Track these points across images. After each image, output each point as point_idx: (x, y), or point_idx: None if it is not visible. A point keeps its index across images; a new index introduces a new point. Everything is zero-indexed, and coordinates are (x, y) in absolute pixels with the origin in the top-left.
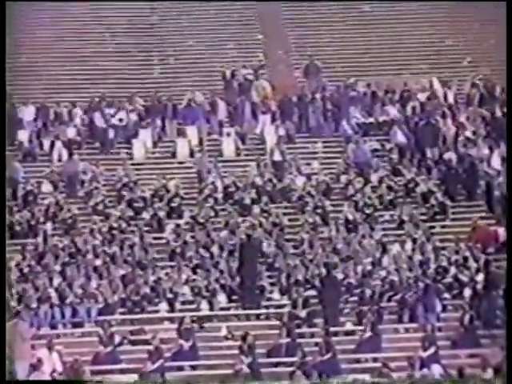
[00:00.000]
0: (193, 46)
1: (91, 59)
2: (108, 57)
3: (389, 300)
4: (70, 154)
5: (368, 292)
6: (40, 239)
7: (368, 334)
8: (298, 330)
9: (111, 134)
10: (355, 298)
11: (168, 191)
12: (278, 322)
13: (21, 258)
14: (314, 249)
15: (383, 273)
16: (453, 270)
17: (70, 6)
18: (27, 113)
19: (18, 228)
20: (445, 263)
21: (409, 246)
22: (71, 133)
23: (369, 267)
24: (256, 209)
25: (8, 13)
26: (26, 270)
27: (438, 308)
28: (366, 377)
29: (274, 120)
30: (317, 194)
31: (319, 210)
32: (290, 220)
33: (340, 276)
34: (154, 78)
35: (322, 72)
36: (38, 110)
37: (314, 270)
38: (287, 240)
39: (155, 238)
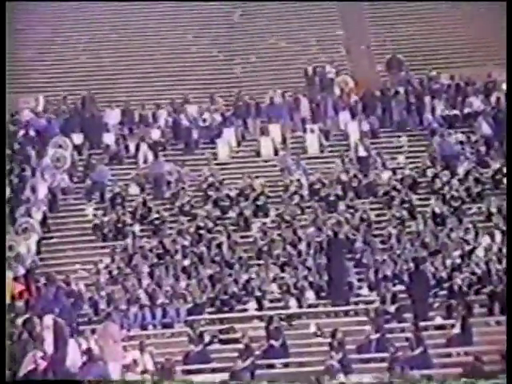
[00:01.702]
0: (274, 43)
1: (173, 59)
2: (189, 57)
3: (478, 293)
4: (156, 156)
5: (457, 285)
6: (129, 241)
7: (458, 327)
8: (387, 326)
9: (195, 134)
10: (444, 292)
11: (253, 190)
12: (367, 318)
13: (110, 261)
14: (402, 243)
15: (472, 265)
16: None
17: (150, 6)
18: (112, 116)
19: (106, 230)
20: None
21: (498, 238)
22: (156, 134)
23: (458, 260)
24: (342, 205)
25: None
26: (115, 272)
27: None
28: (459, 370)
29: (357, 115)
30: (403, 188)
31: (406, 205)
32: (376, 215)
33: (429, 270)
34: (235, 77)
35: (404, 65)
36: (123, 112)
37: (402, 264)
38: (375, 235)
39: (242, 237)
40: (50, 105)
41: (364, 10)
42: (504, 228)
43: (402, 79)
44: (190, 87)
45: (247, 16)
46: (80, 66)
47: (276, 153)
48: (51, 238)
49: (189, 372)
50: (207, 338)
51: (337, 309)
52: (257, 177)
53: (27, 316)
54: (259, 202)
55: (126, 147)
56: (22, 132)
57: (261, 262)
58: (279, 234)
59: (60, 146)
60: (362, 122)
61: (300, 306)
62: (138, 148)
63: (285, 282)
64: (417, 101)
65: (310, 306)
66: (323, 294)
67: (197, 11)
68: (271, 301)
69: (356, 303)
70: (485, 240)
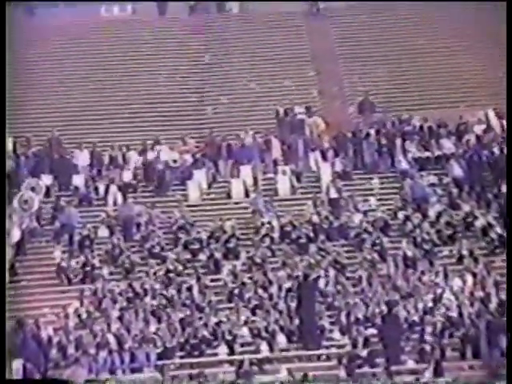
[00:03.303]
0: (246, 84)
1: (143, 100)
2: (160, 97)
3: (451, 336)
4: (125, 198)
5: (429, 329)
6: (98, 284)
7: (431, 371)
8: (359, 370)
9: (166, 176)
10: (416, 336)
11: (224, 232)
12: (338, 363)
13: (79, 304)
14: (373, 286)
15: (444, 309)
16: None
17: (120, 47)
18: (82, 157)
19: (74, 273)
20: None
21: (469, 280)
22: (126, 176)
23: (429, 304)
24: (313, 247)
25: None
26: (84, 316)
27: (503, 344)
28: None
29: (328, 157)
30: (374, 230)
31: (377, 247)
32: (348, 258)
33: (401, 313)
34: (207, 118)
35: (376, 107)
36: (93, 154)
37: (374, 307)
38: (346, 278)
39: (212, 280)
40: (19, 146)
41: (336, 51)
42: (475, 270)
43: (373, 121)
44: (161, 128)
45: (219, 57)
46: (49, 107)
47: (247, 195)
48: (19, 281)
49: None
50: (177, 383)
51: (308, 353)
52: (228, 219)
53: None
54: (230, 245)
55: (96, 189)
56: None
57: (231, 305)
58: (250, 277)
59: (33, 189)
60: (334, 163)
61: (271, 350)
62: (107, 190)
63: (256, 326)
64: (388, 143)
65: (281, 350)
66: (295, 338)
67: (169, 51)
68: (242, 345)
69: (328, 347)
70: (456, 283)
